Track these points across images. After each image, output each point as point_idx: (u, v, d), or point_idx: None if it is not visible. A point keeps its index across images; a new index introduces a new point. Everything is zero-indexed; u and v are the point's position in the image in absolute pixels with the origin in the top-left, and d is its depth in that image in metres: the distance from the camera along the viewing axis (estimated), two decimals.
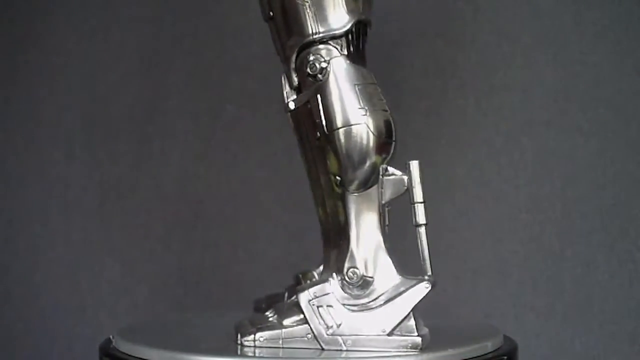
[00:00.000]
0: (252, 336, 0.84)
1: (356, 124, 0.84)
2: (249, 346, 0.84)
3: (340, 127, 0.84)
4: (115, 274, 1.47)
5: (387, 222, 0.96)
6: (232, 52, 1.44)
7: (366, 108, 0.84)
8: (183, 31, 1.46)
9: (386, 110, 0.85)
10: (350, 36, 0.86)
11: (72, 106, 1.49)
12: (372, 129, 0.84)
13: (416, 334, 0.82)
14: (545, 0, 1.33)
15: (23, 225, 1.50)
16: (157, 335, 0.93)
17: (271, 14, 0.89)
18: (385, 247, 0.86)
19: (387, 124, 0.85)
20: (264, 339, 0.84)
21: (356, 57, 0.86)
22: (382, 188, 0.85)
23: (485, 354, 0.86)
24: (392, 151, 0.86)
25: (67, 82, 1.50)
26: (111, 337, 0.93)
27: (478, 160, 1.34)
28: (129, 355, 0.86)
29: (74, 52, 1.50)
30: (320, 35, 0.86)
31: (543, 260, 1.31)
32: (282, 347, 0.84)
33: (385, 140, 0.85)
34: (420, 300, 0.82)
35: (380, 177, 0.85)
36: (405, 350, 0.81)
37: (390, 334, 0.82)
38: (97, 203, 1.48)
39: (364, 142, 0.84)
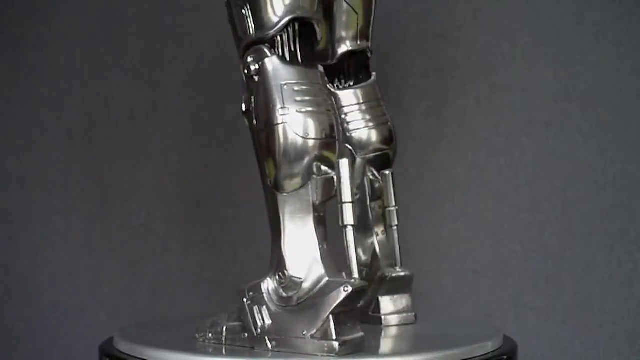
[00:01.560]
0: (203, 333, 0.86)
1: (277, 124, 0.82)
2: (201, 342, 0.86)
3: (264, 128, 0.83)
4: (115, 274, 1.47)
5: (395, 223, 0.98)
6: (232, 52, 1.43)
7: (288, 107, 0.82)
8: (183, 31, 1.46)
9: (317, 110, 0.83)
10: (284, 36, 0.85)
11: (72, 106, 1.49)
12: (294, 129, 0.82)
13: (334, 337, 0.78)
14: (545, 1, 1.33)
15: (23, 225, 1.50)
16: (157, 335, 0.93)
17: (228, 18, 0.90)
18: (321, 247, 0.83)
19: (316, 123, 0.82)
20: (211, 336, 0.86)
21: (293, 56, 0.85)
22: (316, 188, 0.82)
23: (485, 354, 0.86)
24: (331, 150, 0.83)
25: (67, 82, 1.50)
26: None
27: (478, 160, 1.34)
28: (129, 355, 0.86)
29: (74, 52, 1.50)
30: (255, 36, 0.85)
31: (543, 260, 1.31)
32: (225, 345, 0.85)
33: (314, 139, 0.82)
34: (341, 304, 0.78)
35: (314, 176, 0.82)
36: (321, 354, 0.78)
37: (311, 336, 0.79)
38: (97, 203, 1.48)
39: (286, 142, 0.82)
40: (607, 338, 1.29)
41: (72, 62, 1.50)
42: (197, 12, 1.45)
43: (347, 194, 0.81)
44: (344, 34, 1.01)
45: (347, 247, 0.80)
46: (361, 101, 1.02)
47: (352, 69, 1.03)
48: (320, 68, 0.86)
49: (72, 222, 1.48)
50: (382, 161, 1.01)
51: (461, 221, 1.34)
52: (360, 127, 1.01)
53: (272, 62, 0.84)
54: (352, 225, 0.80)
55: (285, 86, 0.83)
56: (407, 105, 1.33)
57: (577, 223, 1.30)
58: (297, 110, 0.82)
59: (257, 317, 0.83)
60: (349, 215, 0.81)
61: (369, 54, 1.03)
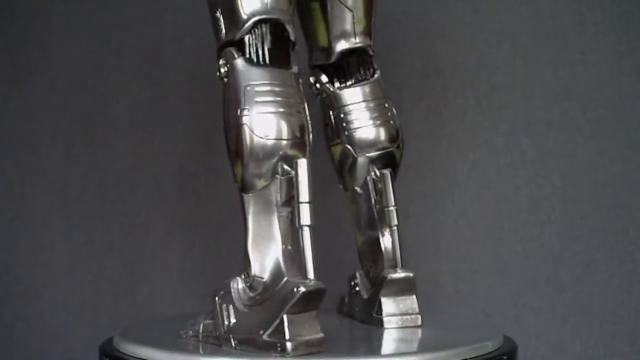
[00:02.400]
0: (185, 331, 0.89)
1: (238, 125, 0.83)
2: (184, 339, 0.88)
3: (229, 129, 0.84)
4: (115, 274, 1.47)
5: (395, 223, 0.97)
6: None
7: (248, 108, 0.83)
8: (183, 31, 1.46)
9: (281, 110, 0.83)
10: (252, 37, 0.86)
11: (72, 106, 1.49)
12: (254, 130, 0.82)
13: (287, 338, 0.78)
14: (545, 1, 1.33)
15: (23, 225, 1.50)
16: (157, 335, 0.93)
17: None
18: (284, 248, 0.83)
19: (279, 124, 0.83)
20: (191, 333, 0.88)
21: (261, 57, 0.86)
22: (279, 188, 0.83)
23: (485, 354, 0.86)
24: (299, 151, 0.83)
25: (67, 82, 1.50)
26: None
27: (478, 160, 1.34)
28: (129, 355, 0.86)
29: (74, 52, 1.50)
30: (226, 39, 0.87)
31: (543, 260, 1.31)
32: (202, 342, 0.87)
33: (275, 140, 0.82)
34: (295, 305, 0.78)
35: (277, 177, 0.83)
36: (275, 354, 0.79)
37: (267, 336, 0.80)
38: (97, 203, 1.48)
39: (243, 143, 0.82)
40: (607, 338, 1.29)
41: (72, 62, 1.50)
42: (197, 12, 1.45)
43: (303, 194, 0.81)
44: (340, 32, 1.00)
45: (303, 247, 0.80)
46: (364, 99, 1.00)
47: (353, 67, 1.02)
48: (295, 69, 0.87)
49: (72, 222, 1.48)
50: (387, 160, 1.00)
51: (461, 221, 1.34)
52: (362, 125, 1.00)
53: (238, 64, 0.85)
54: (309, 226, 0.80)
55: (248, 87, 0.84)
56: (407, 105, 1.33)
57: (577, 223, 1.30)
58: (257, 112, 0.83)
59: (224, 315, 0.84)
60: (305, 216, 0.80)
61: (371, 52, 1.01)
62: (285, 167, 0.83)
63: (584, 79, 1.31)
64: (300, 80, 0.87)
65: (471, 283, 1.33)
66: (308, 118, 0.85)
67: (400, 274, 0.97)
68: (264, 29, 0.86)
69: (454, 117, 1.35)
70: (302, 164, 0.81)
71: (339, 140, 1.01)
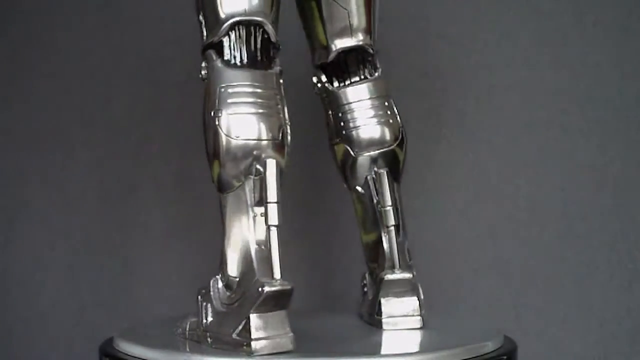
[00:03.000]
0: (176, 328, 0.91)
1: (211, 126, 0.85)
2: (177, 336, 0.90)
3: (204, 131, 0.86)
4: (115, 274, 1.47)
5: (392, 223, 0.97)
6: None
7: (221, 110, 0.84)
8: (183, 31, 1.46)
9: (254, 111, 0.84)
10: (229, 40, 0.87)
11: (72, 106, 1.49)
12: (225, 131, 0.84)
13: (252, 337, 0.79)
14: (545, 0, 1.33)
15: (23, 225, 1.50)
16: (157, 335, 0.93)
17: None
18: (256, 248, 0.83)
19: (251, 125, 0.84)
20: (179, 331, 0.90)
21: (239, 59, 0.87)
22: (251, 189, 0.84)
23: (485, 354, 0.86)
24: (275, 151, 0.84)
25: (67, 82, 1.50)
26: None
27: (478, 160, 1.34)
28: (129, 355, 0.86)
29: (74, 52, 1.50)
30: (206, 41, 0.88)
31: (543, 261, 1.31)
32: (188, 339, 0.88)
33: (246, 140, 0.84)
34: (261, 304, 0.79)
35: (250, 177, 0.84)
36: (242, 352, 0.79)
37: (237, 335, 0.81)
38: (97, 203, 1.48)
39: (217, 144, 0.84)
40: (607, 338, 1.29)
41: (72, 62, 1.50)
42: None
43: (271, 194, 0.82)
44: (336, 31, 1.00)
45: (270, 247, 0.81)
46: (363, 98, 1.00)
47: (353, 66, 1.02)
48: (276, 69, 0.88)
49: (72, 222, 1.48)
50: (388, 159, 0.99)
51: (461, 221, 1.34)
52: (361, 124, 0.99)
53: (215, 66, 0.87)
54: (276, 226, 0.81)
55: (223, 89, 0.85)
56: (407, 105, 1.32)
57: (577, 223, 1.30)
58: (229, 113, 0.84)
59: (204, 313, 0.86)
60: (273, 216, 0.81)
61: (371, 50, 1.01)
62: (258, 167, 0.84)
63: (584, 79, 1.31)
64: (281, 81, 0.88)
65: (471, 283, 1.33)
66: (286, 119, 0.86)
67: (397, 275, 0.96)
68: (240, 31, 0.87)
69: (454, 117, 1.35)
70: (271, 164, 0.82)
71: (339, 140, 1.01)
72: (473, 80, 1.35)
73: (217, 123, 0.84)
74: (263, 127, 0.84)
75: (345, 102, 1.00)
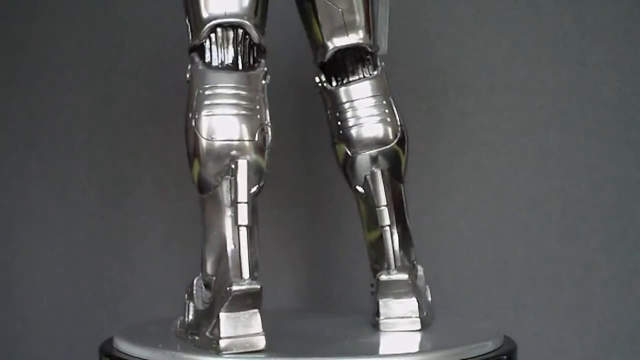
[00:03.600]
0: (171, 326, 0.93)
1: (188, 128, 0.86)
2: (170, 335, 0.92)
3: (183, 133, 0.87)
4: (115, 274, 1.47)
5: (386, 223, 0.96)
6: None
7: (198, 112, 0.85)
8: (183, 31, 1.46)
9: (231, 112, 0.85)
10: (210, 42, 0.89)
11: (72, 106, 1.49)
12: (200, 132, 0.85)
13: (220, 336, 0.80)
14: (545, 0, 1.33)
15: (23, 225, 1.50)
16: (157, 335, 0.93)
17: None
18: (232, 248, 0.83)
19: (226, 126, 0.85)
20: (173, 329, 0.92)
21: (219, 62, 0.89)
22: (227, 190, 0.85)
23: (485, 354, 0.86)
24: (255, 152, 0.86)
25: (67, 82, 1.49)
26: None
27: (478, 160, 1.34)
28: (129, 355, 0.86)
29: (74, 52, 1.50)
30: (191, 44, 0.90)
31: (543, 260, 1.31)
32: (176, 337, 0.90)
33: (221, 142, 0.85)
34: (230, 304, 0.80)
35: (226, 178, 0.85)
36: (211, 351, 0.80)
37: (209, 333, 0.82)
38: (97, 203, 1.48)
39: (195, 145, 0.85)
40: (607, 338, 1.29)
41: (72, 62, 1.50)
42: None
43: (241, 194, 0.83)
44: (331, 30, 0.99)
45: (240, 247, 0.81)
46: (360, 97, 0.99)
47: (350, 65, 1.01)
48: (260, 70, 0.89)
49: (72, 222, 1.48)
50: (387, 158, 0.98)
51: (461, 221, 1.34)
52: (358, 123, 0.98)
53: (196, 69, 0.88)
54: (245, 226, 0.82)
55: (200, 91, 0.86)
56: (407, 105, 1.32)
57: (577, 223, 1.30)
58: (204, 114, 0.85)
59: (187, 312, 0.88)
60: (242, 216, 0.82)
61: (368, 49, 1.00)
62: (233, 167, 0.85)
63: (584, 79, 1.31)
64: (265, 82, 0.89)
65: (471, 283, 1.33)
66: (266, 120, 0.87)
67: (392, 276, 0.95)
68: (219, 33, 0.88)
69: (454, 117, 1.35)
70: (241, 164, 0.83)
71: (337, 139, 1.01)
72: (473, 80, 1.34)
73: (194, 125, 0.85)
74: (239, 128, 0.85)
75: (342, 101, 1.00)
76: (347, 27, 0.99)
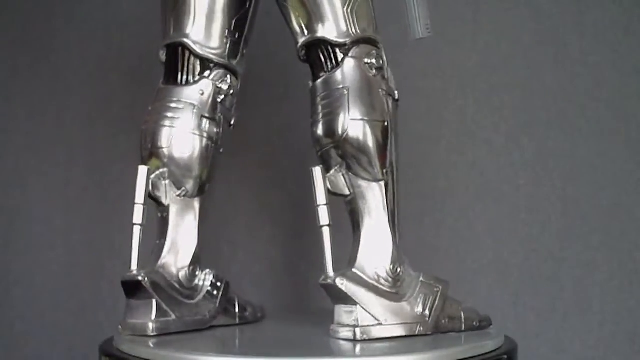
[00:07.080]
0: None
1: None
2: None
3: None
4: (115, 274, 1.47)
5: (323, 223, 0.90)
6: None
7: (147, 120, 0.98)
8: None
9: (153, 124, 0.97)
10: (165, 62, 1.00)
11: (72, 106, 1.49)
12: (141, 140, 0.97)
13: (122, 319, 0.91)
14: (545, 1, 1.33)
15: (23, 225, 1.50)
16: (157, 335, 0.93)
17: None
18: (158, 242, 0.99)
19: (147, 136, 0.97)
20: None
21: (172, 79, 0.99)
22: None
23: (485, 354, 0.86)
24: (158, 158, 0.96)
25: (67, 82, 1.50)
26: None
27: (478, 160, 1.34)
28: (129, 355, 0.86)
29: (74, 52, 1.50)
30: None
31: (543, 260, 1.31)
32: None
33: (151, 149, 0.96)
34: (124, 291, 0.91)
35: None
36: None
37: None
38: (97, 203, 1.48)
39: (140, 151, 0.97)
40: (607, 338, 1.29)
41: (72, 62, 1.50)
42: None
43: (138, 196, 0.92)
44: (294, 30, 0.96)
45: (132, 244, 0.92)
46: (318, 94, 0.94)
47: (317, 63, 0.96)
48: (201, 83, 0.97)
49: (72, 222, 1.48)
50: (342, 155, 0.92)
51: (461, 221, 1.34)
52: (312, 120, 0.94)
53: (158, 87, 1.01)
54: (139, 225, 0.92)
55: (152, 105, 0.99)
56: (407, 105, 1.33)
57: (577, 223, 1.30)
58: (146, 122, 0.98)
59: None
60: (136, 215, 0.92)
61: (332, 41, 0.94)
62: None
63: (584, 79, 1.31)
64: (203, 91, 0.97)
65: (471, 283, 1.33)
66: (191, 128, 0.96)
67: (325, 281, 0.88)
68: (161, 53, 1.00)
69: (454, 117, 1.35)
70: (141, 170, 0.92)
71: None
72: (473, 80, 1.35)
73: (140, 133, 0.97)
74: (151, 137, 0.96)
75: (311, 100, 0.96)
76: (305, 25, 0.96)
